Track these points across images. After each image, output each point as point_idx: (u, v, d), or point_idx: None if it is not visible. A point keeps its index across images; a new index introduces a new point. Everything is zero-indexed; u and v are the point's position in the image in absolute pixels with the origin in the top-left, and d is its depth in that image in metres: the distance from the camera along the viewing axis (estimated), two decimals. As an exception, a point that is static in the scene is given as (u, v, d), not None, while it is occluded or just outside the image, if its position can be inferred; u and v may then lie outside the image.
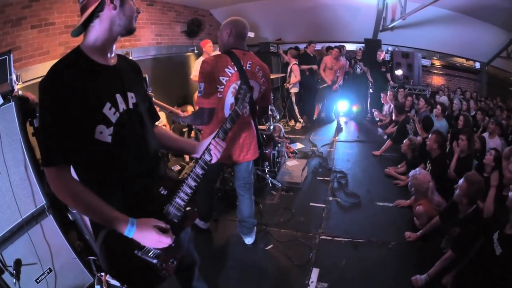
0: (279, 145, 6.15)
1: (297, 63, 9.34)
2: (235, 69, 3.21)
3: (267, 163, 5.74)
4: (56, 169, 1.57)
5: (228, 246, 4.11)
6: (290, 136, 8.48)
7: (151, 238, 1.64)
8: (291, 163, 6.27)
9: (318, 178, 6.07)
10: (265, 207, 4.99)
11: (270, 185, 5.58)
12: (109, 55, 1.73)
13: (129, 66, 1.93)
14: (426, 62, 11.64)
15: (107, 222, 1.62)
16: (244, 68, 3.26)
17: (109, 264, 1.72)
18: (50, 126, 1.54)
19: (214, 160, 1.95)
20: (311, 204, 5.12)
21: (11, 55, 3.08)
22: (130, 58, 2.18)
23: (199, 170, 1.88)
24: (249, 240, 4.05)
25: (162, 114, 5.76)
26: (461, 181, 3.49)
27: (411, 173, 4.63)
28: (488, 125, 6.01)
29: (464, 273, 3.14)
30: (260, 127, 6.19)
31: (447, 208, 3.84)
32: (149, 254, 1.72)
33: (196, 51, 9.28)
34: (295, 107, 9.72)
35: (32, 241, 2.81)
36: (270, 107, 7.02)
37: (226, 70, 3.20)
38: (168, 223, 1.77)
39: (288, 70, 9.49)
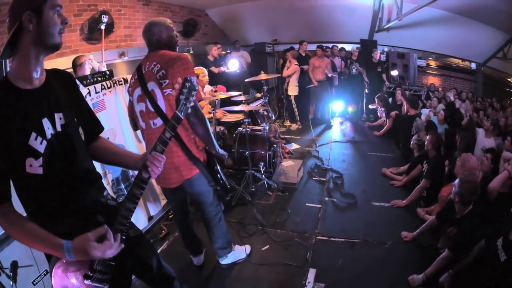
0: (275, 145, 6.16)
1: (298, 64, 9.30)
2: (136, 76, 2.95)
3: (262, 164, 5.75)
4: None
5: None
6: (285, 136, 8.49)
7: (95, 253, 1.56)
8: (286, 163, 6.29)
9: (314, 178, 6.06)
10: (261, 208, 4.99)
11: (266, 185, 5.58)
12: (35, 76, 1.63)
13: (59, 81, 1.80)
14: (421, 62, 11.70)
15: (45, 248, 1.58)
16: (143, 72, 2.91)
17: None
18: None
19: (153, 177, 1.78)
20: (307, 204, 5.12)
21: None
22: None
23: (136, 190, 1.73)
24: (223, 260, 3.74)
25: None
26: (457, 180, 3.51)
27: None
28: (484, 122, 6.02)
29: (463, 276, 3.14)
30: (255, 127, 6.20)
31: (444, 208, 3.84)
32: (98, 280, 1.68)
33: (191, 51, 9.27)
34: (295, 110, 9.66)
35: (29, 243, 2.80)
36: (265, 107, 7.02)
37: (131, 80, 3.04)
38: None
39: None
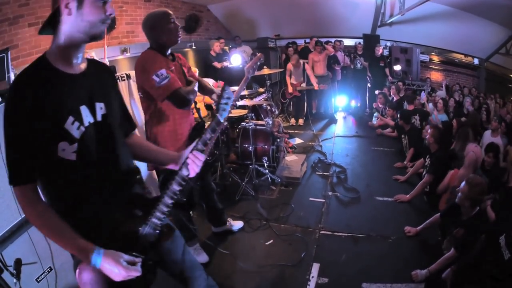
0: (278, 140, 6.14)
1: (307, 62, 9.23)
2: None
3: (266, 158, 5.74)
4: (20, 189, 1.50)
5: (228, 241, 4.11)
6: (289, 131, 8.47)
7: (118, 274, 1.51)
8: (290, 158, 6.28)
9: (317, 173, 6.07)
10: (264, 202, 4.99)
11: (270, 180, 5.58)
12: (75, 61, 1.61)
13: (100, 72, 1.79)
14: (424, 57, 11.65)
15: (71, 249, 1.54)
16: None
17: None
18: (11, 143, 1.47)
19: (192, 175, 1.80)
20: (310, 199, 5.12)
21: (9, 53, 3.07)
22: (104, 61, 2.00)
23: (175, 187, 1.74)
24: None
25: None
26: (462, 184, 3.47)
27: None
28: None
29: (466, 272, 3.12)
30: (259, 122, 6.20)
31: (449, 209, 3.82)
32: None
33: (194, 47, 9.26)
34: (305, 105, 9.56)
35: (32, 240, 2.80)
36: (268, 102, 7.01)
37: None
38: (144, 243, 1.69)
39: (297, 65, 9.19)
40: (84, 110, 1.61)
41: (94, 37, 1.59)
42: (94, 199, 1.65)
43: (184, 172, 1.76)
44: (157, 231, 1.72)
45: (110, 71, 1.91)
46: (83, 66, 1.67)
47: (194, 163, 1.77)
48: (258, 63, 3.04)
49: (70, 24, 1.52)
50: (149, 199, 1.82)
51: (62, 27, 1.53)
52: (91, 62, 1.75)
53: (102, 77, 1.78)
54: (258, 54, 3.43)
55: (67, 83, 1.56)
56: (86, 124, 1.61)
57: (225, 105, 1.83)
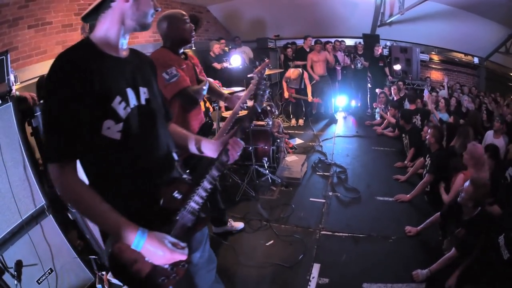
0: (278, 140, 6.16)
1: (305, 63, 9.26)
2: None
3: (266, 159, 5.74)
4: (59, 166, 1.42)
5: (228, 242, 4.12)
6: (289, 131, 8.47)
7: (163, 256, 1.50)
8: (290, 158, 6.28)
9: (317, 173, 6.06)
10: (265, 203, 4.99)
11: (270, 180, 5.58)
12: (120, 47, 1.64)
13: (142, 60, 1.83)
14: (424, 57, 11.64)
15: (111, 230, 1.50)
16: None
17: (118, 268, 1.59)
18: (55, 117, 1.41)
19: (231, 161, 1.84)
20: (311, 199, 5.12)
21: (8, 55, 3.07)
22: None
23: (215, 172, 1.78)
24: None
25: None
26: (466, 184, 3.45)
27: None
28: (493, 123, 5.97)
29: (468, 276, 3.11)
30: (259, 122, 6.20)
31: (449, 208, 3.81)
32: None
33: (194, 48, 9.26)
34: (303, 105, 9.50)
35: (33, 241, 2.81)
36: (268, 102, 7.02)
37: None
38: (182, 227, 1.69)
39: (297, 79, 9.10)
40: (130, 92, 1.63)
41: (143, 27, 1.66)
42: (135, 179, 1.65)
43: (224, 158, 1.82)
44: (194, 217, 1.73)
45: (151, 62, 1.93)
46: (126, 53, 1.70)
47: (233, 150, 1.83)
48: (266, 68, 3.09)
49: (125, 12, 1.57)
50: (189, 183, 1.82)
51: (115, 14, 1.56)
52: (133, 50, 1.80)
53: (144, 65, 1.82)
54: (266, 60, 3.49)
55: (114, 65, 1.59)
56: (132, 105, 1.62)
57: (261, 96, 1.98)
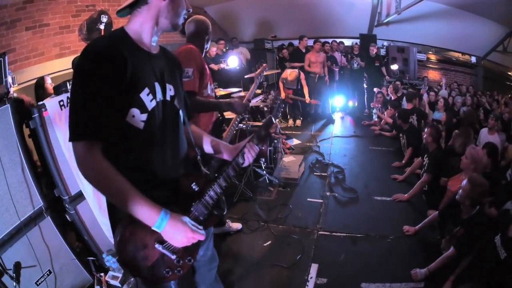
0: (276, 141, 6.16)
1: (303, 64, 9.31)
2: None
3: (263, 160, 5.73)
4: (85, 144, 1.43)
5: (226, 243, 4.13)
6: (286, 132, 8.48)
7: (185, 235, 1.53)
8: (287, 159, 6.29)
9: (315, 173, 6.07)
10: (262, 204, 5.00)
11: (267, 181, 5.59)
12: (152, 43, 1.69)
13: (170, 59, 1.88)
14: (421, 56, 11.66)
15: (134, 209, 1.47)
16: None
17: (125, 253, 1.58)
18: (88, 96, 1.43)
19: (246, 164, 1.95)
20: (308, 199, 5.13)
21: (6, 57, 3.08)
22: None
23: (231, 171, 1.87)
24: None
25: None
26: (464, 182, 3.46)
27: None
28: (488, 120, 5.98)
29: (465, 278, 3.12)
30: (256, 123, 6.20)
31: (448, 207, 3.82)
32: (170, 248, 1.62)
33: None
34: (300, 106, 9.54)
35: (31, 243, 2.81)
36: (265, 103, 7.02)
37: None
38: (195, 220, 1.68)
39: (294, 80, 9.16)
40: (157, 86, 1.67)
41: (175, 27, 1.72)
42: (153, 169, 1.69)
43: (240, 160, 1.91)
44: (207, 212, 1.78)
45: (178, 61, 1.99)
46: (156, 50, 1.76)
47: (249, 153, 1.92)
48: (264, 72, 3.13)
49: (161, 10, 1.62)
50: (207, 178, 1.87)
51: (151, 10, 1.61)
52: (162, 48, 1.84)
53: (171, 64, 1.86)
54: (264, 65, 3.59)
55: (145, 58, 1.64)
56: (158, 99, 1.66)
57: (277, 111, 2.17)
